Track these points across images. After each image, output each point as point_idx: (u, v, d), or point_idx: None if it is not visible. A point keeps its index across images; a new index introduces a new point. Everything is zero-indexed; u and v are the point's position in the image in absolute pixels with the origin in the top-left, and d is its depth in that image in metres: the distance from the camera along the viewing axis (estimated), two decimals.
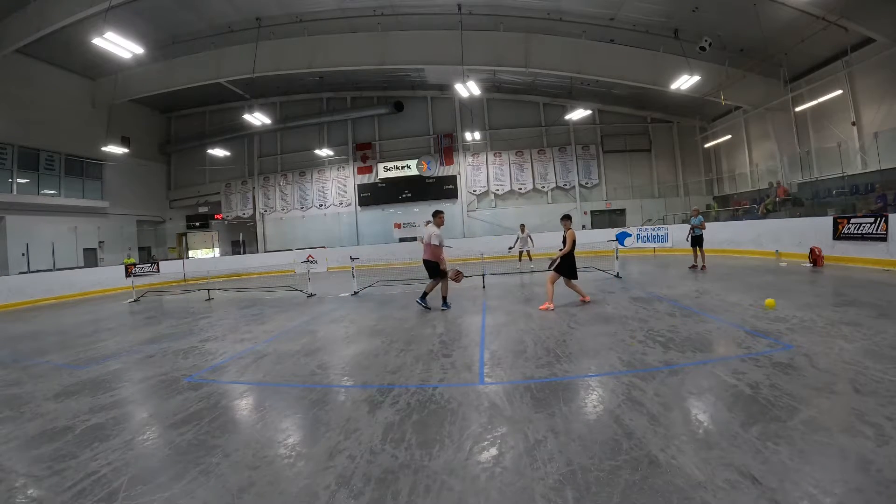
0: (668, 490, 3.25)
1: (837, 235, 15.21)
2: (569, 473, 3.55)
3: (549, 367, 6.25)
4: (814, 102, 20.96)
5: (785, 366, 5.65)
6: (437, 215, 11.76)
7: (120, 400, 6.09)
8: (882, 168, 18.61)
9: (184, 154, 35.72)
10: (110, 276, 24.64)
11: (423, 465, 3.84)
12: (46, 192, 26.35)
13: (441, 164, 32.89)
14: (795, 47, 20.01)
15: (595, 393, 5.30)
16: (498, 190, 32.92)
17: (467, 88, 20.78)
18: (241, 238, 33.66)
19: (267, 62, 22.94)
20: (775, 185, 24.02)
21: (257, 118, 23.98)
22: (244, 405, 5.73)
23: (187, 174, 36.00)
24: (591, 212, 32.42)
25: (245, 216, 35.12)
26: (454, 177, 32.94)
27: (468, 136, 30.47)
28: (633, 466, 3.59)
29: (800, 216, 19.21)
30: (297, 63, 23.70)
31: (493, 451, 4.03)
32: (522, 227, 22.03)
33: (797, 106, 22.39)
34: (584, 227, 30.97)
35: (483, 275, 15.54)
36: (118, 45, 15.86)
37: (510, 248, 21.57)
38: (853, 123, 20.23)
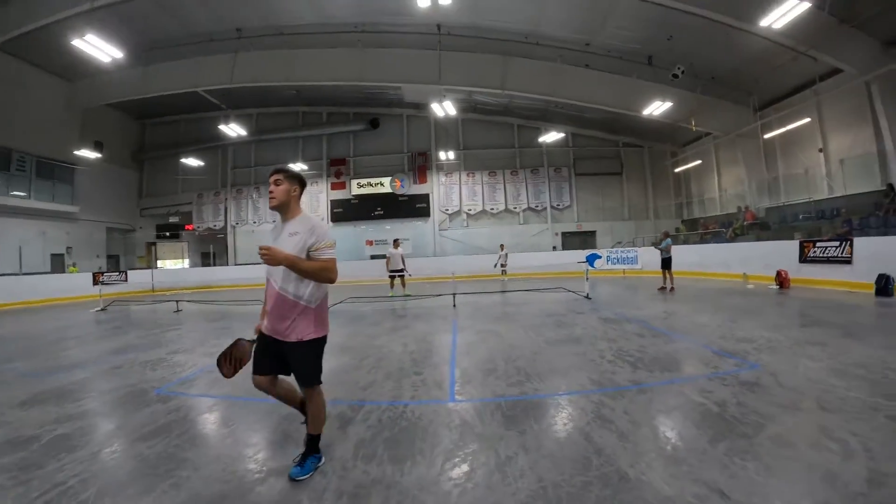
0: None
1: (804, 258, 15.60)
2: (540, 489, 3.58)
3: (520, 386, 6.26)
4: (782, 129, 21.56)
5: (752, 384, 5.75)
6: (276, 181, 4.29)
7: (87, 410, 5.96)
8: (848, 193, 19.28)
9: (157, 162, 35.24)
10: (77, 283, 24.18)
11: (395, 480, 3.84)
12: (16, 193, 25.75)
13: (414, 182, 32.89)
14: (766, 76, 20.63)
15: (565, 411, 5.33)
16: (470, 210, 33.02)
17: (443, 108, 20.94)
18: (212, 250, 33.32)
19: (245, 73, 22.85)
20: (743, 210, 24.55)
21: (233, 129, 23.90)
22: (214, 419, 5.65)
23: (159, 183, 35.45)
24: (563, 233, 32.74)
25: (216, 228, 34.66)
26: (427, 195, 32.93)
27: (442, 155, 30.60)
28: (603, 482, 3.63)
29: (767, 240, 19.59)
30: (275, 76, 23.62)
31: (465, 467, 4.05)
32: (502, 246, 25.51)
33: (766, 133, 22.97)
34: (554, 248, 31.39)
35: (454, 294, 15.54)
36: (98, 47, 15.79)
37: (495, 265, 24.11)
38: (820, 150, 20.85)
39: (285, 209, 4.20)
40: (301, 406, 4.41)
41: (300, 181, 4.32)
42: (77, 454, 4.56)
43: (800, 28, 15.33)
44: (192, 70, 23.74)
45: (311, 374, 4.08)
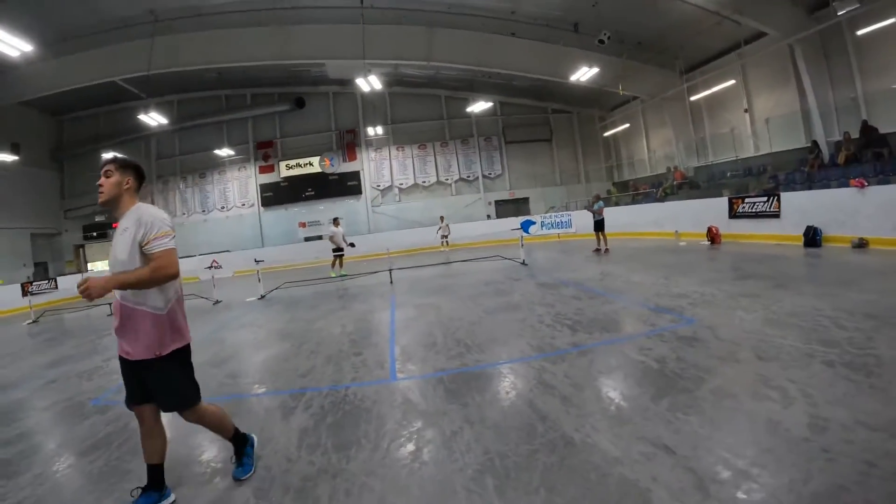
0: (585, 468, 3.32)
1: (733, 214, 15.94)
2: (487, 462, 3.57)
3: (460, 358, 6.24)
4: (708, 92, 22.07)
5: (689, 339, 5.83)
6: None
7: (25, 431, 5.61)
8: (773, 151, 20.00)
9: (78, 160, 33.23)
10: (4, 296, 22.73)
11: (342, 468, 3.76)
12: None
13: (344, 160, 32.41)
14: (691, 40, 20.92)
15: (507, 380, 5.33)
16: (402, 184, 32.79)
17: (369, 83, 20.55)
18: None
19: (164, 58, 21.75)
20: (672, 170, 25.10)
21: (153, 118, 22.95)
22: None
23: (82, 181, 33.19)
24: (496, 202, 32.92)
25: None
26: (357, 172, 32.56)
27: (370, 130, 29.89)
28: (549, 449, 3.64)
29: (697, 198, 20.01)
30: (195, 59, 22.66)
31: (411, 446, 4.01)
32: (442, 217, 26.01)
33: (692, 95, 23.44)
34: (488, 216, 31.52)
35: (390, 270, 15.41)
36: (4, 42, 14.90)
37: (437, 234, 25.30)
38: (745, 111, 21.47)
39: (116, 205, 3.50)
40: (154, 469, 3.56)
41: (136, 171, 3.65)
42: (19, 480, 4.28)
43: None
44: (107, 59, 22.37)
45: (178, 395, 3.53)
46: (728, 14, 17.08)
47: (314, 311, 11.36)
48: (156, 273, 3.23)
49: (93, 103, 30.96)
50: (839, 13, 14.83)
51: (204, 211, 32.80)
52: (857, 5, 14.18)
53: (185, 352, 3.58)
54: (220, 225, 32.55)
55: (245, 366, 7.42)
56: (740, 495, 2.84)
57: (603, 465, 3.31)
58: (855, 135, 16.05)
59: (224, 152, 30.84)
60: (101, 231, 33.55)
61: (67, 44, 21.23)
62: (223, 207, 32.79)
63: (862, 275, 8.55)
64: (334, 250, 18.13)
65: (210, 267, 18.87)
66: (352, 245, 18.11)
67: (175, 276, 3.40)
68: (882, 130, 15.35)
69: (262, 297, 14.95)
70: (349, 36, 21.27)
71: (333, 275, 17.78)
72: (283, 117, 32.52)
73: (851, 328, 5.52)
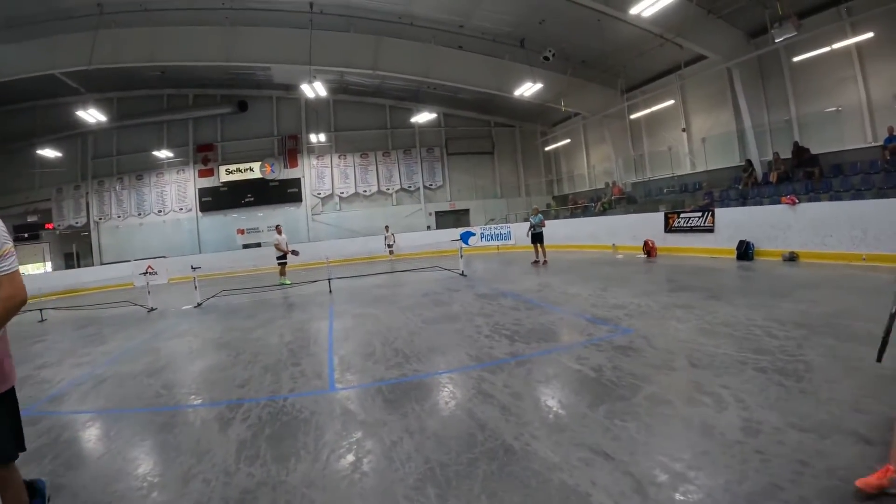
0: (525, 475, 3.34)
1: (669, 229, 16.42)
2: (428, 471, 3.56)
3: (399, 368, 6.22)
4: (648, 111, 22.82)
5: (625, 348, 5.94)
6: None
7: None
8: (709, 169, 20.72)
9: (9, 155, 31.40)
10: None
11: (282, 480, 3.69)
12: None
13: (285, 166, 31.88)
14: (634, 61, 21.41)
15: (446, 389, 5.35)
16: (343, 193, 32.47)
17: (314, 89, 20.39)
18: (75, 250, 30.73)
19: (106, 53, 20.83)
20: (611, 185, 25.58)
21: (92, 115, 22.21)
22: (88, 437, 5.16)
23: (13, 178, 31.68)
24: (436, 213, 32.96)
25: (79, 225, 31.84)
26: (298, 180, 32.08)
27: (313, 137, 29.81)
28: (489, 457, 3.65)
29: (634, 212, 20.63)
30: (139, 55, 21.84)
31: (351, 457, 3.95)
32: (387, 227, 26.50)
33: (632, 113, 24.08)
34: (428, 227, 31.53)
35: (329, 279, 15.27)
36: None
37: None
38: (683, 130, 22.17)
39: None
40: None
41: None
42: None
43: (668, 17, 15.90)
44: (48, 50, 21.39)
45: None
46: (671, 37, 17.51)
47: (252, 320, 11.14)
48: (8, 304, 2.63)
49: (29, 96, 29.24)
50: (777, 40, 15.32)
51: (140, 214, 31.68)
52: (795, 34, 14.67)
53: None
54: (156, 229, 31.56)
55: (181, 376, 7.22)
56: (678, 497, 2.89)
57: (543, 472, 3.33)
58: (785, 155, 16.65)
59: (163, 154, 29.98)
60: (34, 232, 32.01)
61: (7, 33, 20.34)
62: (160, 211, 31.76)
63: (792, 286, 8.88)
64: (279, 258, 17.94)
65: (145, 273, 18.24)
66: (295, 253, 17.89)
67: (25, 301, 2.77)
68: (813, 151, 16.01)
69: (199, 304, 14.58)
70: (297, 41, 21.00)
71: (288, 282, 17.58)
72: (225, 120, 31.80)
73: (782, 337, 5.72)
